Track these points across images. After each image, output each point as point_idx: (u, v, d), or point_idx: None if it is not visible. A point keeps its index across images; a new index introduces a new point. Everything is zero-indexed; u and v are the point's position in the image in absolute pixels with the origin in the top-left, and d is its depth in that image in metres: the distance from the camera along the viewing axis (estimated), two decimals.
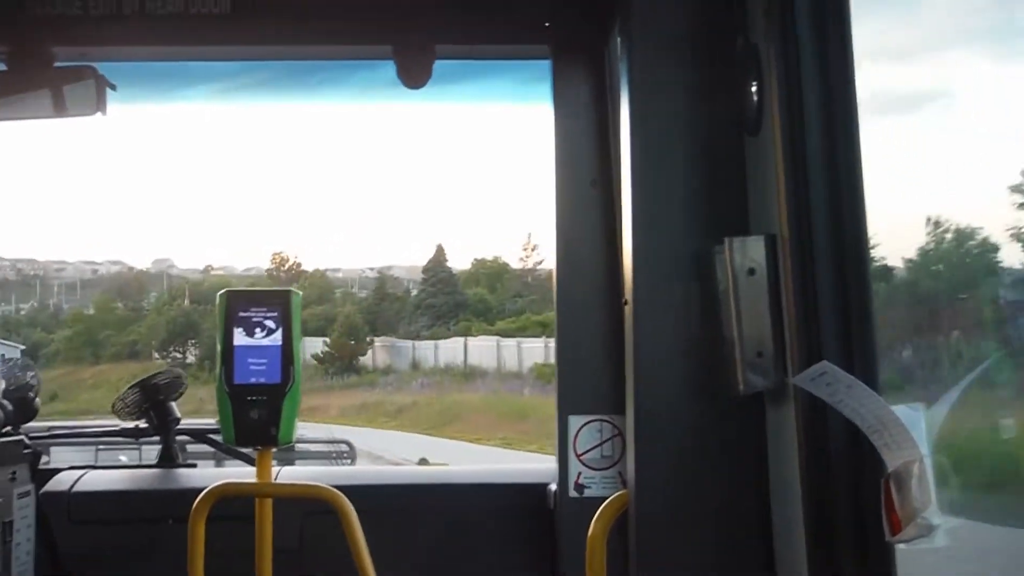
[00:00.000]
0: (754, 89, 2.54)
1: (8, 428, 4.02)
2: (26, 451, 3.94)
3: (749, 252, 2.51)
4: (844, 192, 2.35)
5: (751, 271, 2.50)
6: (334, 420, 35.31)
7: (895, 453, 2.06)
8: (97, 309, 75.21)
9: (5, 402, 4.05)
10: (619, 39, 3.08)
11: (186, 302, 66.85)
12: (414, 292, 65.45)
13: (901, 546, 2.16)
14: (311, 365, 51.09)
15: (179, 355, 63.09)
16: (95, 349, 69.01)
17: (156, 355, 62.64)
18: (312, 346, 50.63)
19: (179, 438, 4.94)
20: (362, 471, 5.20)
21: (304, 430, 4.60)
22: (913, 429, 2.06)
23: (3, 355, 4.37)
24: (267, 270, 69.69)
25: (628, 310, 2.78)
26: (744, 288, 2.50)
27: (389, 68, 3.82)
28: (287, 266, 68.98)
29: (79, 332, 71.09)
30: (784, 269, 2.44)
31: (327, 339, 54.56)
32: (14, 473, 3.75)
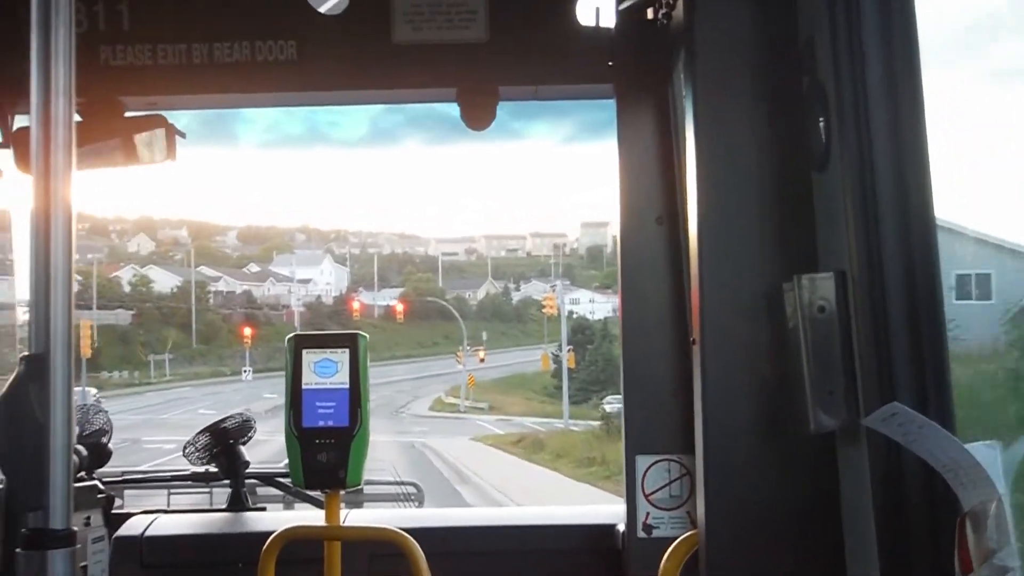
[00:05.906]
0: (821, 125, 2.52)
1: (82, 473, 4.06)
2: (100, 496, 3.98)
3: (819, 290, 2.48)
4: (915, 228, 2.32)
5: (821, 308, 2.48)
6: None
7: (971, 492, 2.03)
8: None
9: (80, 448, 4.10)
10: (683, 77, 3.08)
11: None
12: None
13: None
14: None
15: None
16: None
17: None
18: None
19: (248, 482, 4.97)
20: (430, 513, 5.19)
21: (371, 473, 4.59)
22: (989, 467, 2.02)
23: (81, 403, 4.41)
24: None
25: (696, 349, 2.76)
26: (814, 326, 2.48)
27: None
28: None
29: None
30: (854, 306, 2.41)
31: None
32: (88, 518, 3.79)
